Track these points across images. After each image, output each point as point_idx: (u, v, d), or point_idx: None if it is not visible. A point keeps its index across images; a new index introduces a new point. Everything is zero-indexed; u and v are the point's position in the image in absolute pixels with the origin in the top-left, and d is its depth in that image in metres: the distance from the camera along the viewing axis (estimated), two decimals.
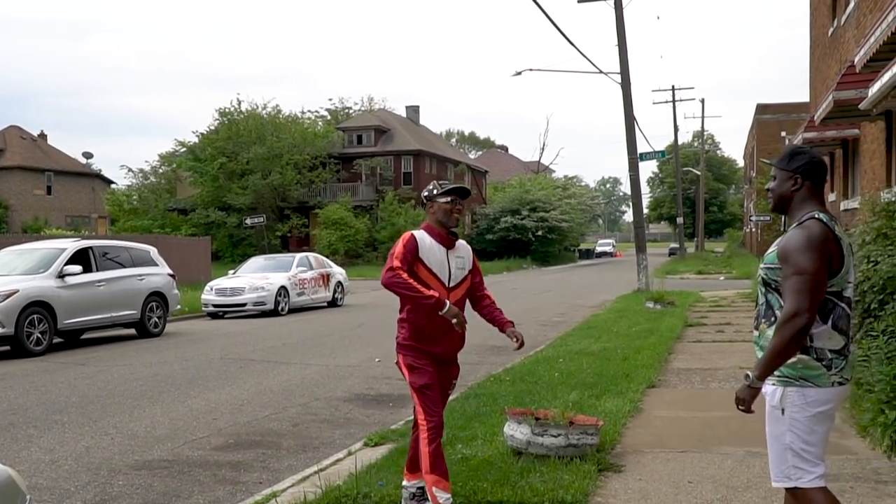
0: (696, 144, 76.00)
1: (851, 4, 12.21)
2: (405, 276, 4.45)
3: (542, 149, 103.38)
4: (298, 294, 21.14)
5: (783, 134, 43.37)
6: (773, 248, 3.37)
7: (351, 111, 59.42)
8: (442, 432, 4.67)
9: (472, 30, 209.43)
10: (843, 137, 12.61)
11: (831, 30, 14.63)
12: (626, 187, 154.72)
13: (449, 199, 4.63)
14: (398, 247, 4.54)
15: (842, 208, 13.22)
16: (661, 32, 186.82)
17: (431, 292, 4.45)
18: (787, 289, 3.17)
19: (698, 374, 9.37)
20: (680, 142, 58.36)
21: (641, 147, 23.80)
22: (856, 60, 7.18)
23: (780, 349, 3.13)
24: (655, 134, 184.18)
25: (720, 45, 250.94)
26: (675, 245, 63.10)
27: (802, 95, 50.33)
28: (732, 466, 5.63)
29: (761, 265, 3.41)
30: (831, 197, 15.11)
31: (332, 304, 22.65)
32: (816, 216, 3.30)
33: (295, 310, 21.04)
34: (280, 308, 20.25)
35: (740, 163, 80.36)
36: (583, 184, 78.49)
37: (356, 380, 10.33)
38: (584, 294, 25.39)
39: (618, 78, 23.49)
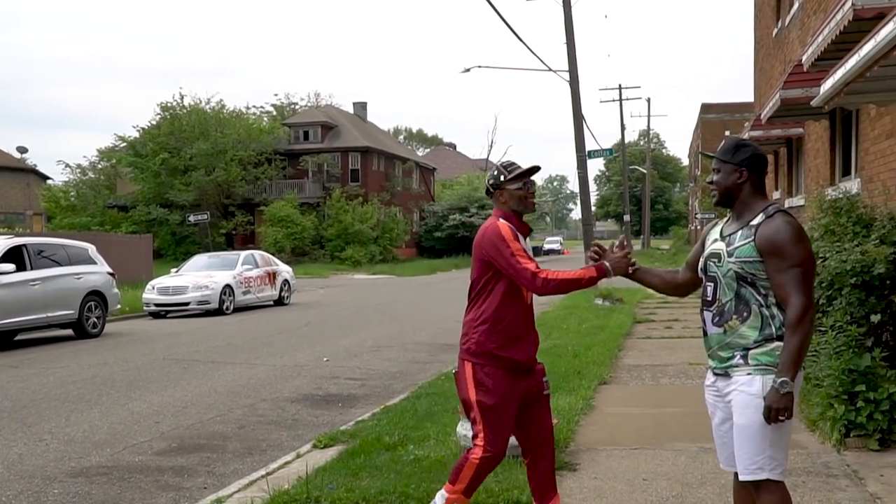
0: (642, 143, 77.07)
1: (795, 5, 12.40)
2: (552, 273, 3.91)
3: (491, 146, 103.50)
4: (244, 293, 20.81)
5: (727, 133, 44.06)
6: (742, 242, 3.26)
7: (297, 107, 58.66)
8: (498, 463, 4.17)
9: (421, 26, 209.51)
10: (788, 136, 12.81)
11: (775, 30, 14.86)
12: (573, 185, 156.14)
13: (520, 184, 4.10)
14: (509, 243, 3.94)
15: (787, 205, 13.42)
16: (609, 31, 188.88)
17: (587, 270, 3.89)
18: (789, 282, 3.14)
19: (649, 371, 9.40)
20: (626, 140, 59.11)
21: (589, 145, 23.98)
22: (803, 59, 7.25)
23: (803, 344, 3.12)
24: (603, 132, 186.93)
25: (667, 45, 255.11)
26: None
27: (746, 96, 51.22)
28: (686, 463, 5.61)
29: (728, 260, 3.29)
30: (776, 194, 15.36)
31: (279, 302, 22.36)
32: (782, 208, 3.29)
33: (240, 309, 20.70)
34: (225, 307, 19.88)
35: (685, 161, 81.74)
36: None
37: (304, 380, 10.13)
38: None
39: (566, 76, 23.57)
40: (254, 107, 60.20)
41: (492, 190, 4.16)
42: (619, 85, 54.41)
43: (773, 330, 3.20)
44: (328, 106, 57.95)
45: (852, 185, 8.16)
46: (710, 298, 3.39)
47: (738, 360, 3.26)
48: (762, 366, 3.20)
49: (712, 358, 3.40)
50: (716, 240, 3.43)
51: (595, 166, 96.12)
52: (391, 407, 7.89)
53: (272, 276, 22.21)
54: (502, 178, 4.11)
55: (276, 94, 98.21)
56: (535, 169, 4.16)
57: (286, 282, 22.82)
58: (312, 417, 8.06)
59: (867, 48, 3.74)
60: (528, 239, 4.24)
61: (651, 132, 67.96)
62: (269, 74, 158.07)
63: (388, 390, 9.36)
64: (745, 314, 3.25)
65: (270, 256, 23.68)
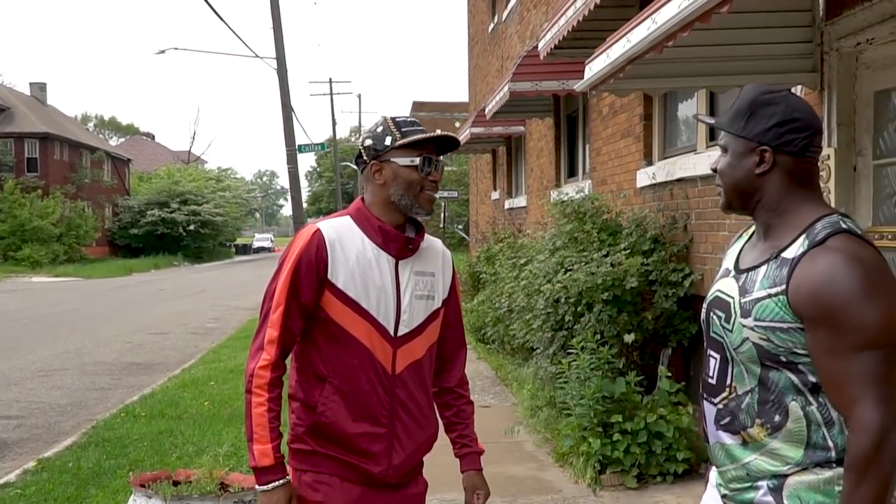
0: (353, 139, 77.38)
1: (513, 0, 12.12)
2: (264, 391, 2.18)
3: (193, 138, 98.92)
4: None
5: (438, 132, 44.90)
6: (765, 290, 1.73)
7: None
8: None
9: (113, 1, 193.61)
10: (509, 134, 12.58)
11: (491, 26, 14.68)
12: (283, 181, 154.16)
13: (418, 156, 2.26)
14: (282, 271, 2.22)
15: (506, 206, 13.19)
16: (320, 21, 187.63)
17: (263, 449, 2.17)
18: (855, 376, 1.60)
19: None
20: (338, 136, 58.78)
21: (300, 139, 22.71)
22: (540, 47, 6.80)
23: (878, 500, 1.59)
24: (315, 127, 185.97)
25: (379, 41, 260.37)
26: None
27: (458, 95, 53.00)
28: None
29: (743, 322, 1.75)
30: (494, 195, 15.19)
31: None
32: (844, 226, 1.72)
33: None
34: None
35: None
36: (238, 176, 75.98)
37: None
38: (241, 294, 23.69)
39: (274, 64, 22.16)
40: None
41: (366, 160, 2.30)
42: (330, 78, 53.77)
43: (832, 447, 1.71)
44: None
45: (583, 185, 7.76)
46: (713, 380, 1.87)
47: (763, 495, 1.77)
48: None
49: (720, 475, 1.90)
50: (728, 270, 1.89)
51: (307, 162, 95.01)
52: (49, 461, 6.18)
53: None
54: (388, 139, 2.25)
55: None
56: (449, 139, 2.34)
57: None
58: None
59: (668, 12, 2.88)
60: (407, 261, 2.31)
61: (362, 128, 68.46)
62: None
63: (54, 430, 7.57)
64: (776, 418, 1.74)
65: None
